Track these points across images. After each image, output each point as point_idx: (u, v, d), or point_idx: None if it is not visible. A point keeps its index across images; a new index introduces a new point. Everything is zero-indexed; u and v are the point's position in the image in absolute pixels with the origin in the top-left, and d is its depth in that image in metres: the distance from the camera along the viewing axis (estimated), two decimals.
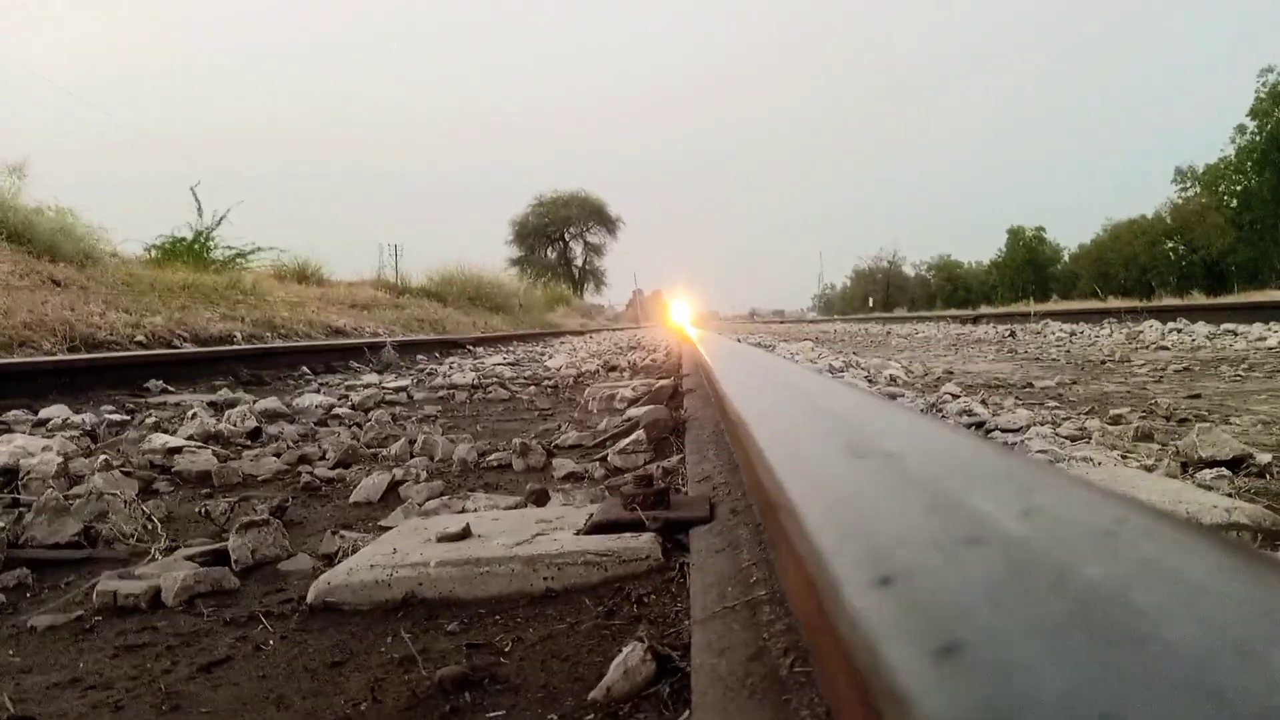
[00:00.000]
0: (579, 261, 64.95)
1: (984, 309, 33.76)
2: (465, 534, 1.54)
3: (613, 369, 6.78)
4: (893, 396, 3.79)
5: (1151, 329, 9.57)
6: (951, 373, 5.42)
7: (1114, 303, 19.90)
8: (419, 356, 9.36)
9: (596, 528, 1.52)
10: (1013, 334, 11.34)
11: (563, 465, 2.46)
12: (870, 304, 69.28)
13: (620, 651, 1.04)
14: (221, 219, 16.44)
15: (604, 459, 2.56)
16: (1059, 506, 0.38)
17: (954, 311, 32.50)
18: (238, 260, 16.35)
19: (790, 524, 0.44)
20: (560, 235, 64.00)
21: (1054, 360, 6.43)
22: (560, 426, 3.42)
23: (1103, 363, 5.90)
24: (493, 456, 2.67)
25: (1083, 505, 0.38)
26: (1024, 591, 0.28)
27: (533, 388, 5.37)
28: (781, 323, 43.76)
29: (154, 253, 15.65)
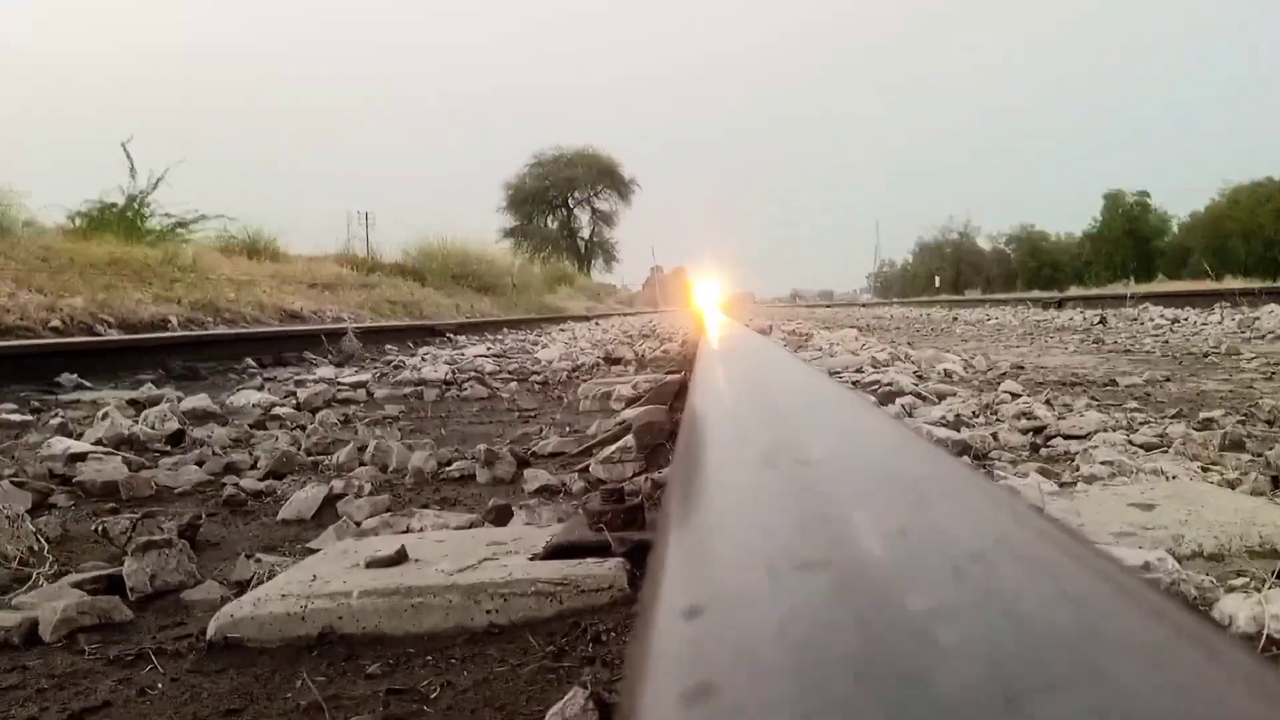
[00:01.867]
0: (585, 233, 64.86)
1: (1073, 291, 33.50)
2: (399, 558, 1.55)
3: (616, 361, 6.80)
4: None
5: (1271, 315, 9.47)
6: (1021, 368, 5.40)
7: (1230, 283, 19.69)
8: (388, 346, 9.41)
9: (555, 552, 1.53)
10: (1103, 321, 11.26)
11: (536, 477, 2.47)
12: (936, 284, 68.91)
13: (560, 699, 1.05)
14: (159, 181, 16.56)
15: (587, 469, 2.58)
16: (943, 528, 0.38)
17: (1036, 294, 32.29)
18: (177, 230, 16.53)
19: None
20: (563, 201, 63.77)
21: (1147, 353, 6.38)
22: (542, 430, 3.45)
23: (1205, 356, 5.85)
24: (456, 466, 2.69)
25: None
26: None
27: (517, 384, 5.39)
28: (828, 306, 43.42)
29: (78, 221, 15.81)
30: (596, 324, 20.21)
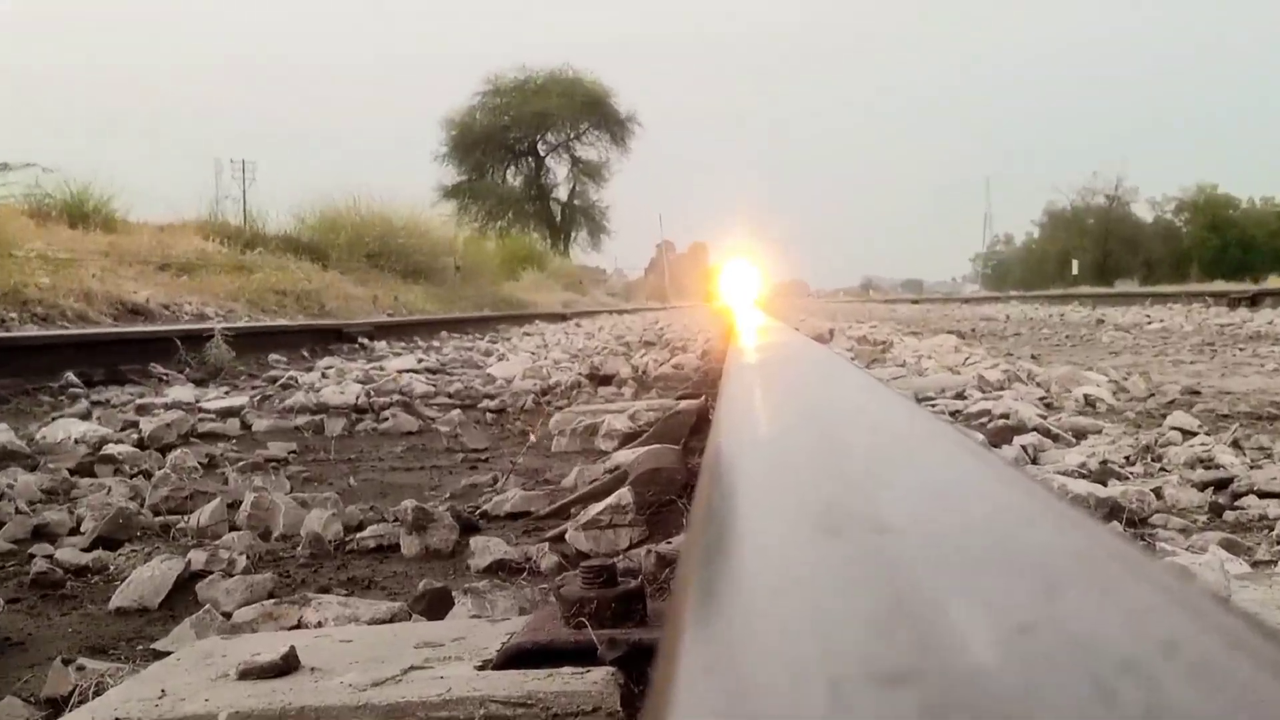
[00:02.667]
0: (562, 192, 64.73)
1: (1275, 282, 33.23)
2: (287, 666, 1.55)
3: (605, 380, 6.81)
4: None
5: None
6: (1196, 393, 5.40)
7: None
8: (273, 357, 9.43)
9: (514, 657, 1.53)
10: None
11: (488, 548, 2.47)
12: (1073, 271, 68.85)
13: None
14: None
15: (562, 537, 2.57)
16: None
17: (1218, 286, 32.22)
18: None
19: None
20: (530, 147, 63.35)
21: None
22: (496, 480, 3.43)
23: None
24: (371, 532, 2.68)
25: None
26: None
27: (460, 413, 5.40)
28: (915, 302, 43.24)
29: None
30: (577, 325, 20.24)
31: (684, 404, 4.00)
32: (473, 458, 4.13)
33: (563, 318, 24.38)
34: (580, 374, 7.16)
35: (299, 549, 2.62)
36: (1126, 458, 3.27)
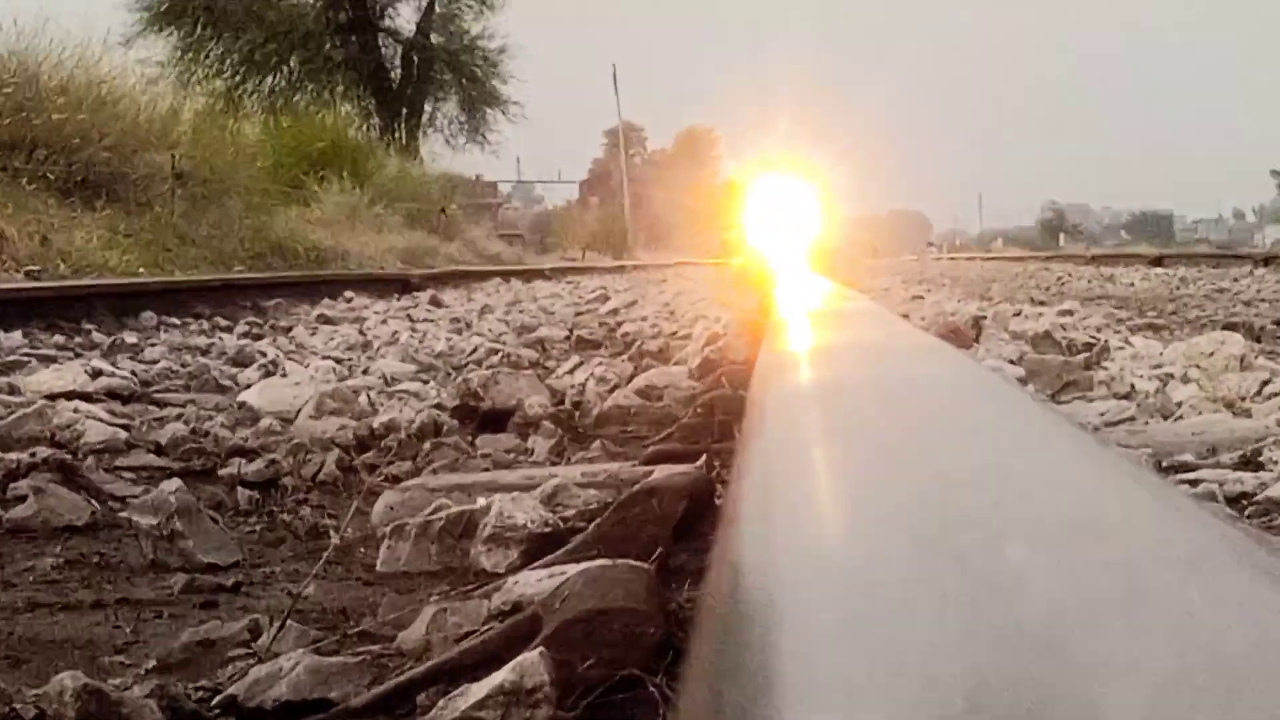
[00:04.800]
0: (405, 20, 36.85)
1: None
2: None
3: (494, 421, 4.17)
4: None
5: None
6: None
7: None
8: None
9: None
10: None
11: None
12: None
13: None
14: None
15: None
16: None
17: None
18: None
19: None
20: None
21: None
22: (257, 632, 2.05)
23: None
24: None
25: None
26: None
27: (178, 484, 3.57)
28: (1158, 261, 22.84)
29: None
30: (436, 304, 12.21)
31: (660, 473, 2.50)
32: (209, 582, 2.54)
33: (406, 286, 14.52)
34: (441, 405, 4.96)
35: None
36: None
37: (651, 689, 1.55)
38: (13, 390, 4.68)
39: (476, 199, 37.45)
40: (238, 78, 31.84)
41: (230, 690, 1.77)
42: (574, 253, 38.05)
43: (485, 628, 1.83)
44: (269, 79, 32.09)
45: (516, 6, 38.07)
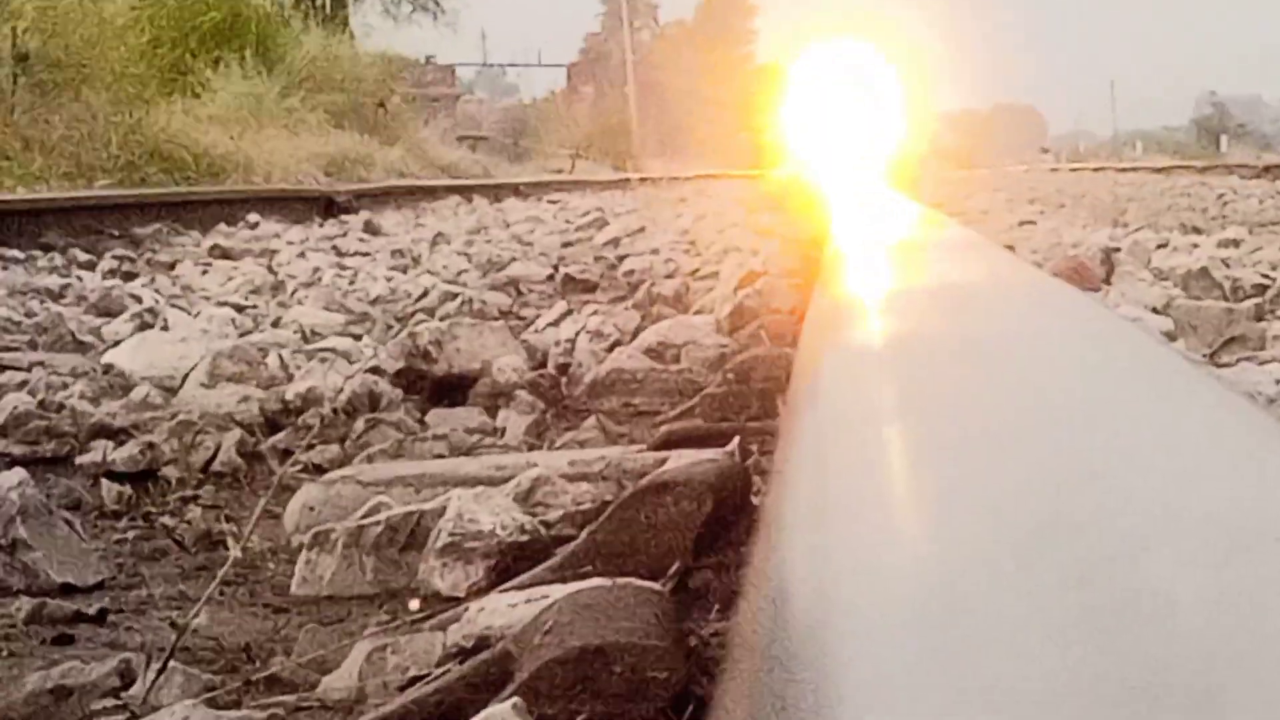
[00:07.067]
0: None
1: None
2: None
3: (449, 386, 3.42)
4: None
5: None
6: None
7: None
8: None
9: None
10: None
11: None
12: None
13: None
14: None
15: None
16: None
17: None
18: None
19: None
20: None
21: None
22: (129, 677, 1.69)
23: None
24: None
25: None
26: None
27: (23, 475, 3.20)
28: None
29: None
30: (371, 231, 10.38)
31: (676, 461, 2.18)
32: (64, 610, 2.15)
33: (331, 207, 12.28)
34: (379, 369, 4.34)
35: None
36: None
37: None
38: None
39: (427, 88, 31.01)
40: None
41: None
42: (560, 161, 31.20)
43: (439, 671, 1.54)
44: None
45: None
